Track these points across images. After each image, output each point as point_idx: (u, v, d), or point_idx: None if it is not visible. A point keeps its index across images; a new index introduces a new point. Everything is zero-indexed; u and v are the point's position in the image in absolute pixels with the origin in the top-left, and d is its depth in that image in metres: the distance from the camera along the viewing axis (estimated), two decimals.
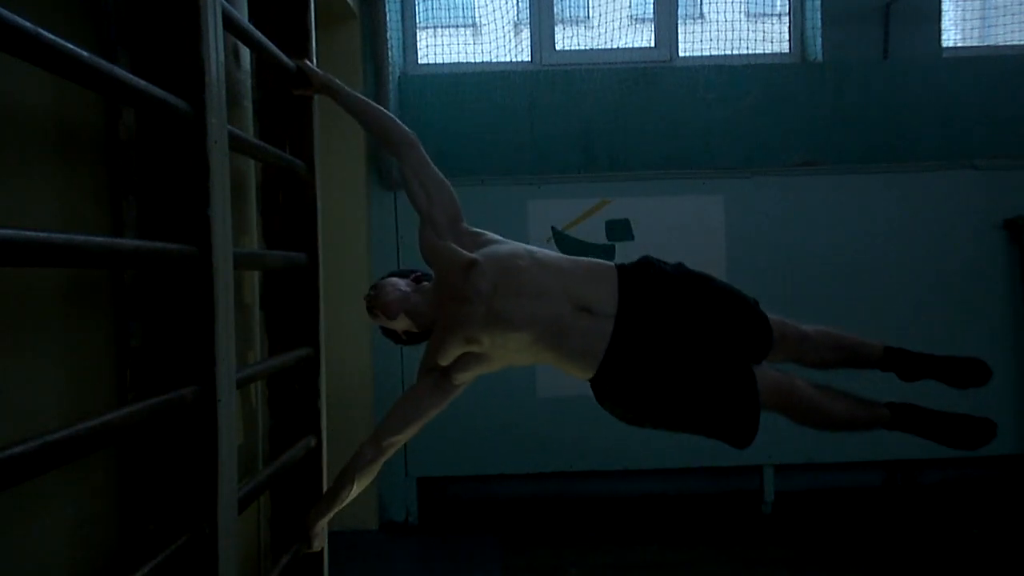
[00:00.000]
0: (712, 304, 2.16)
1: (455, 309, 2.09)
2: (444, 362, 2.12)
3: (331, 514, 2.18)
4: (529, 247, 2.21)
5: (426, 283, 2.23)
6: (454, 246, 2.14)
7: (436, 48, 4.61)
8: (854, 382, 2.28)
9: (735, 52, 4.64)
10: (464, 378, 2.16)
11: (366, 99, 2.34)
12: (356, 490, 2.15)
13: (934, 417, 2.24)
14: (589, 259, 2.27)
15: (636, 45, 4.67)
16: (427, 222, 2.20)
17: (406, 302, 2.15)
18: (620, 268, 2.18)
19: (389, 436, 2.14)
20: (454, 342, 2.09)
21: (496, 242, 2.21)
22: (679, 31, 4.63)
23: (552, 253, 2.26)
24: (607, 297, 2.10)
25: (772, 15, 4.70)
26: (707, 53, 4.63)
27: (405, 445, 4.24)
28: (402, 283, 2.20)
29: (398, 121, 2.30)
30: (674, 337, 2.09)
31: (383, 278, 2.26)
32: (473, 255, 2.11)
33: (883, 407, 2.24)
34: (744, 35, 4.65)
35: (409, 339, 2.26)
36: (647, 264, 2.21)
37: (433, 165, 2.25)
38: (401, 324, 2.19)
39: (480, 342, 2.08)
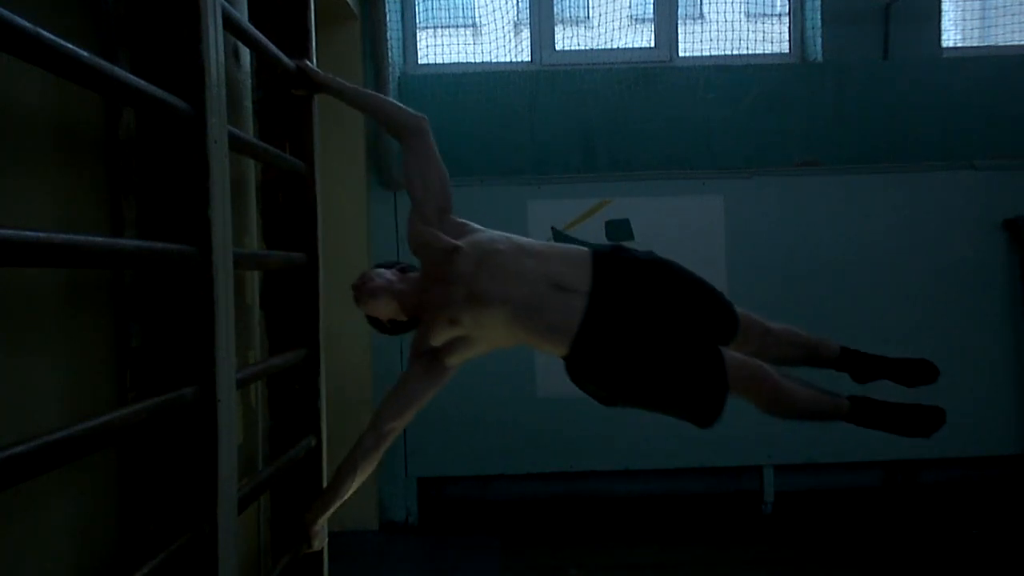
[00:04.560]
0: (680, 286, 2.25)
1: (439, 293, 2.18)
2: (435, 343, 2.20)
3: (332, 509, 2.19)
4: (509, 234, 2.30)
5: (412, 273, 2.33)
6: (438, 233, 2.23)
7: (436, 48, 4.61)
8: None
9: (735, 52, 4.63)
10: (453, 361, 2.23)
11: (368, 91, 2.40)
12: (357, 481, 2.19)
13: (890, 409, 2.32)
14: (566, 244, 2.33)
15: (636, 45, 4.67)
16: (417, 210, 2.29)
17: (390, 287, 2.25)
18: (594, 252, 2.27)
19: (387, 423, 2.20)
20: (439, 325, 2.17)
21: (479, 231, 2.30)
22: (679, 31, 4.63)
23: (530, 239, 2.33)
24: (581, 276, 2.18)
25: (772, 15, 4.69)
26: (707, 53, 4.63)
27: (405, 445, 4.27)
28: (387, 272, 2.31)
29: (403, 108, 2.36)
30: (644, 315, 2.16)
31: (369, 269, 2.36)
32: (457, 242, 2.21)
33: (844, 399, 2.32)
34: (744, 35, 4.64)
35: (394, 328, 2.34)
36: (619, 249, 2.33)
37: (437, 154, 2.31)
38: (386, 311, 2.27)
39: (462, 323, 2.15)
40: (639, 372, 2.15)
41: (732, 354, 2.21)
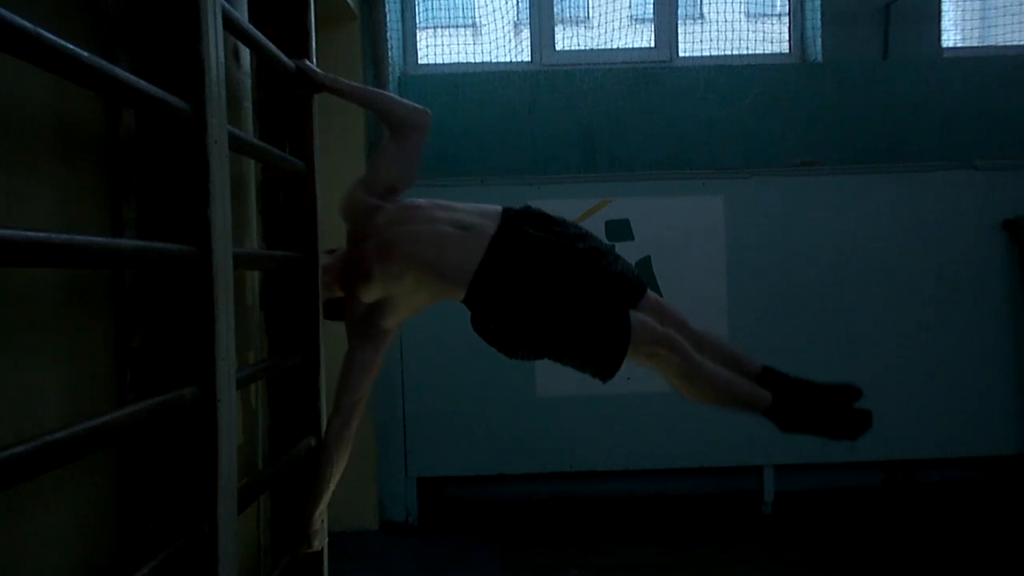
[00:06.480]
0: (588, 242, 2.23)
1: (357, 253, 2.24)
2: (367, 299, 2.24)
3: (324, 501, 2.19)
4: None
5: (340, 251, 2.39)
6: (365, 196, 2.30)
7: (436, 48, 4.61)
8: None
9: (735, 52, 4.64)
10: (388, 324, 2.27)
11: (370, 89, 2.42)
12: (339, 467, 2.21)
13: (814, 409, 2.25)
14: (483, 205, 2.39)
15: (636, 45, 4.67)
16: (363, 182, 2.34)
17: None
18: (505, 207, 2.31)
19: (346, 397, 2.23)
20: (357, 285, 2.23)
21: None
22: (679, 31, 4.64)
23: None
24: (489, 223, 2.21)
25: (772, 15, 4.70)
26: (707, 53, 4.64)
27: (405, 445, 4.27)
28: (321, 256, 2.37)
29: (404, 102, 2.40)
30: (547, 262, 2.15)
31: None
32: (380, 202, 2.27)
33: (766, 392, 2.24)
34: (744, 35, 4.65)
35: (335, 309, 2.36)
36: (529, 207, 2.34)
37: (417, 156, 2.37)
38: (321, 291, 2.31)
39: (373, 277, 2.18)
40: (538, 313, 2.13)
41: (643, 316, 2.17)
